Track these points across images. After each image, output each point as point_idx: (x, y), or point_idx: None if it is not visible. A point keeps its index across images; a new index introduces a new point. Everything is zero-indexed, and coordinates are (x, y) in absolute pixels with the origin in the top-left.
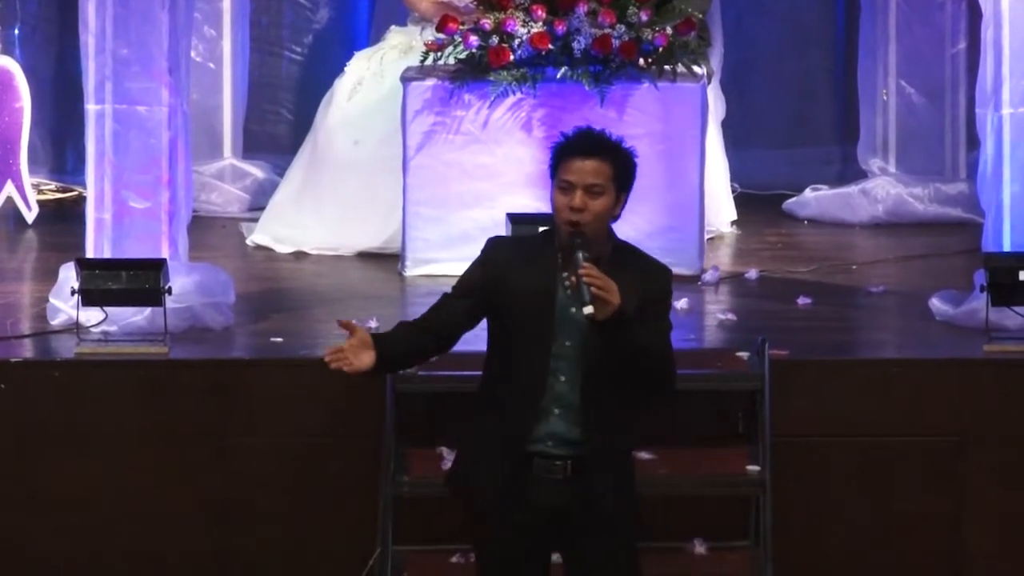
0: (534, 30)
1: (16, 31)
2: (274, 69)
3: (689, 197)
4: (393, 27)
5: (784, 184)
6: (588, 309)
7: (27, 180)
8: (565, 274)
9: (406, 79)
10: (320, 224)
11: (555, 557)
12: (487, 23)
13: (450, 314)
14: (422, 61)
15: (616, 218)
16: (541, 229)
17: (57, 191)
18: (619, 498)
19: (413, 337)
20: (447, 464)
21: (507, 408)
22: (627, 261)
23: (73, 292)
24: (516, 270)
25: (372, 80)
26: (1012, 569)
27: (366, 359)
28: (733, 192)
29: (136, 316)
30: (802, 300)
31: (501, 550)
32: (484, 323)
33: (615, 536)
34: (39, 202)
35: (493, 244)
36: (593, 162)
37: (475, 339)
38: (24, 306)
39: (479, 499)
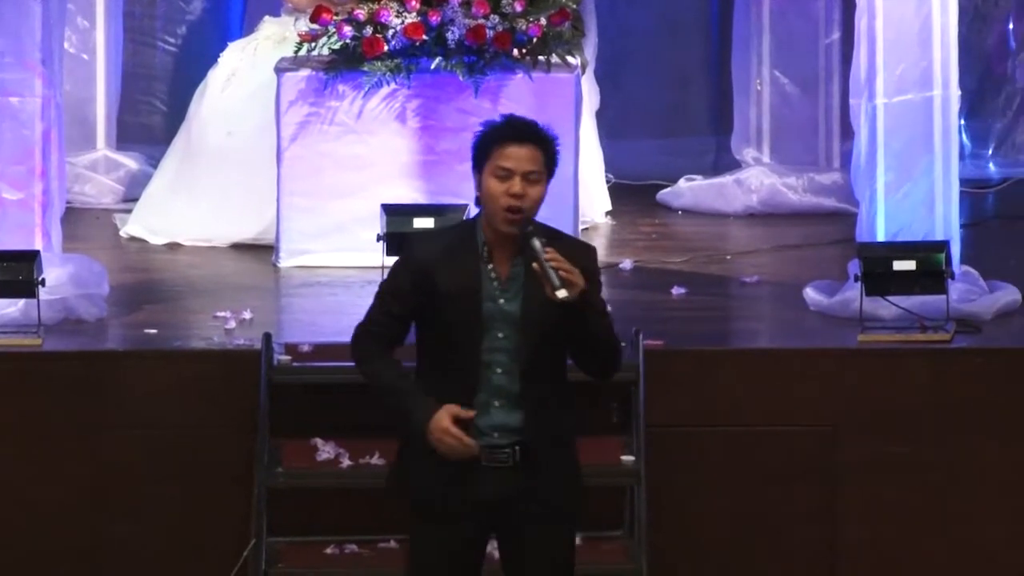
0: (408, 21)
1: None
2: (148, 60)
3: (563, 188)
4: (267, 17)
5: (658, 174)
6: (562, 293)
7: None
8: (534, 265)
9: (280, 70)
10: (194, 215)
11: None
12: (361, 14)
13: (400, 326)
14: (296, 52)
15: None
16: (462, 220)
17: None
18: (564, 485)
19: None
20: (322, 455)
21: (444, 404)
22: (554, 244)
23: None
24: (440, 266)
25: (246, 71)
26: (883, 557)
27: (460, 411)
28: (607, 183)
29: (9, 308)
30: (676, 290)
31: (442, 544)
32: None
33: (556, 525)
34: None
35: (412, 243)
36: (529, 149)
37: (348, 331)
38: None
39: (425, 497)
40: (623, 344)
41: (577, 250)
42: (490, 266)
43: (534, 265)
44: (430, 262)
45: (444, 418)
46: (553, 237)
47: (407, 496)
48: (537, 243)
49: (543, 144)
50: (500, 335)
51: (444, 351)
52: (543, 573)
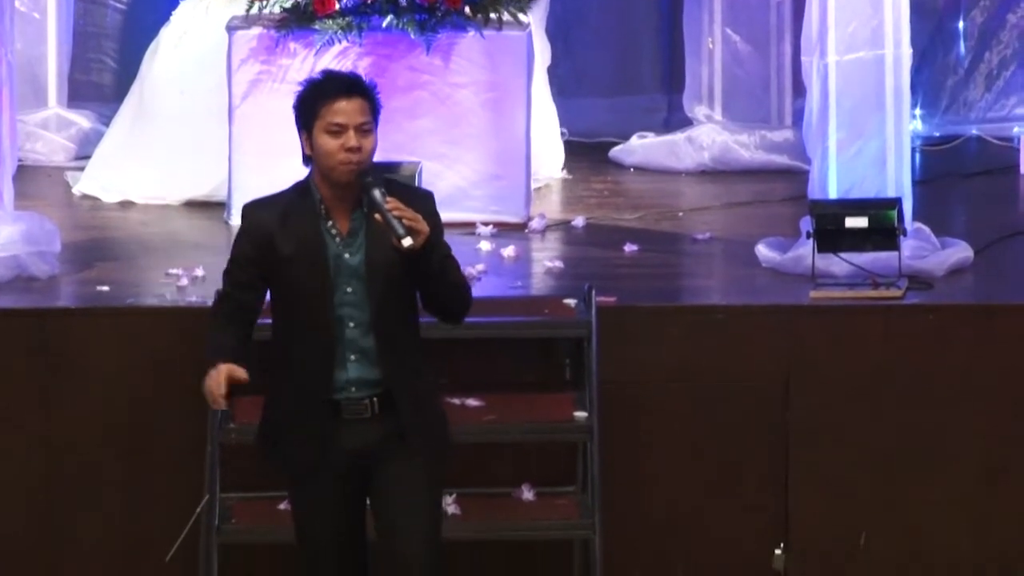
0: None
1: None
2: (99, 18)
3: (515, 145)
4: None
5: (610, 132)
6: (408, 241)
7: None
8: (376, 216)
9: (231, 28)
10: (146, 173)
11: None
12: None
13: (250, 293)
14: (247, 10)
15: None
16: (295, 184)
17: None
18: (427, 424)
19: (241, 332)
20: None
21: (304, 365)
22: (392, 192)
23: None
24: (279, 230)
25: (198, 29)
26: (833, 512)
27: (241, 374)
28: (563, 137)
29: None
30: (629, 247)
31: (317, 502)
32: None
33: (418, 467)
34: None
35: (249, 210)
36: (358, 100)
37: None
38: None
39: (293, 459)
40: (573, 302)
41: (416, 197)
42: (329, 223)
43: (376, 216)
44: (269, 228)
45: (218, 374)
46: (389, 185)
47: (274, 455)
48: (377, 193)
49: (368, 95)
50: (348, 289)
51: (296, 313)
52: (406, 506)
